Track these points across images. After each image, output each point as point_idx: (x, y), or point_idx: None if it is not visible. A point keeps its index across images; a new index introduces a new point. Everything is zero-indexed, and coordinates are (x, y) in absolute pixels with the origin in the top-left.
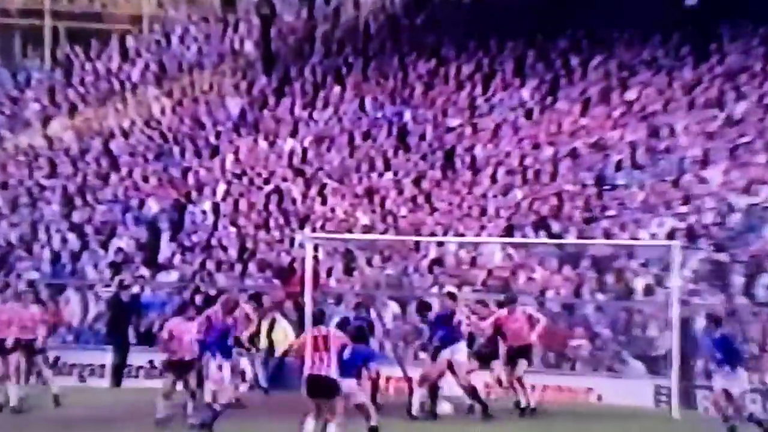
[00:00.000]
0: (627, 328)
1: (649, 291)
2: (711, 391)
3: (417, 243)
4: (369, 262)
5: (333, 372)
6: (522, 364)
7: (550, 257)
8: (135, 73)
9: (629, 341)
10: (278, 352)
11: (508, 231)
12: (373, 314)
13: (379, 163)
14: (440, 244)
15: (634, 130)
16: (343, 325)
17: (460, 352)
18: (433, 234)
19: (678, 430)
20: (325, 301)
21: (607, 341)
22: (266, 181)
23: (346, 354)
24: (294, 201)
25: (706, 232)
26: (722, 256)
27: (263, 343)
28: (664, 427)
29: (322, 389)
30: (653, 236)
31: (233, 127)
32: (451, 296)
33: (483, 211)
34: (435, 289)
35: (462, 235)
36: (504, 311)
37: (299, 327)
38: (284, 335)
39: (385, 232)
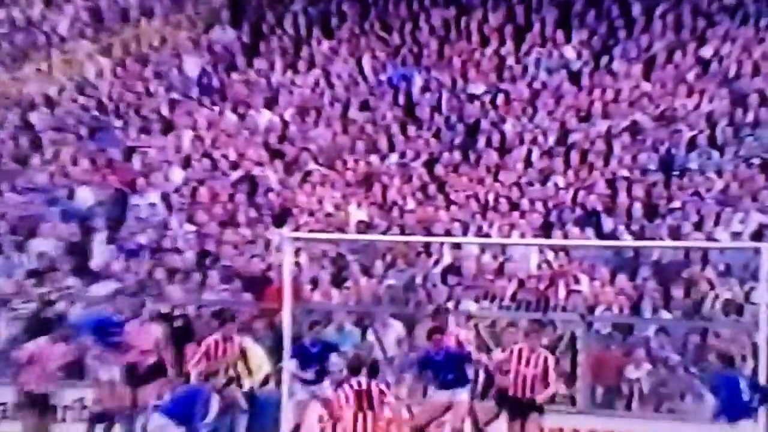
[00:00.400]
0: (700, 357)
1: (729, 308)
2: None
3: (428, 245)
4: (366, 270)
5: None
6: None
7: (601, 264)
8: (63, 23)
9: (703, 374)
10: (249, 386)
11: (546, 229)
12: (371, 338)
13: (381, 143)
14: (457, 246)
15: (713, 97)
16: (303, 353)
17: (462, 394)
18: (448, 233)
19: None
20: (310, 321)
21: (674, 373)
22: (234, 166)
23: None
24: (270, 191)
25: None
26: None
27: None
28: None
29: None
30: (736, 236)
31: (192, 94)
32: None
33: (513, 204)
34: (450, 305)
35: (486, 235)
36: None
37: (275, 354)
38: (258, 366)
39: (387, 231)
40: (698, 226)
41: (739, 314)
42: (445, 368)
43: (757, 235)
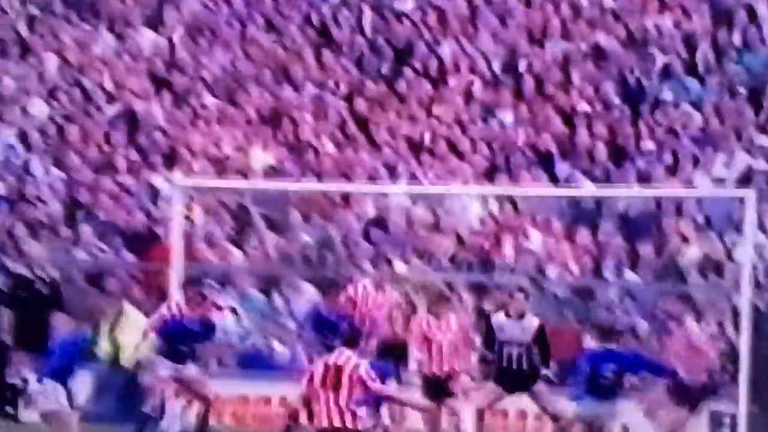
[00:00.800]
0: (670, 324)
1: (707, 266)
2: None
3: (348, 195)
4: (274, 225)
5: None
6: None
7: (555, 217)
8: None
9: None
10: (128, 361)
11: (491, 176)
12: (279, 302)
13: (291, 71)
14: (384, 196)
15: (691, 14)
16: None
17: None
18: (373, 181)
19: None
20: (204, 283)
21: (642, 344)
22: (111, 98)
23: None
24: (156, 130)
25: None
26: None
27: (104, 346)
28: None
29: None
30: (718, 182)
31: (56, 9)
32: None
33: (452, 146)
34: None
35: (419, 183)
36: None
37: None
38: (138, 335)
39: (299, 178)
40: (673, 171)
41: (719, 275)
42: (333, 330)
43: (743, 181)
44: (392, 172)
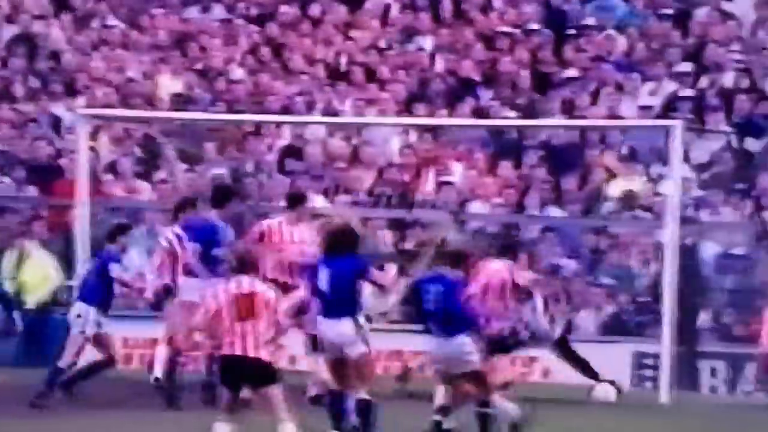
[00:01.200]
0: (594, 260)
1: (631, 200)
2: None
3: (261, 125)
4: (184, 157)
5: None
6: None
7: (477, 148)
8: None
9: (596, 281)
10: (31, 303)
11: (410, 105)
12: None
13: None
14: (299, 126)
15: None
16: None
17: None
18: (287, 110)
19: (668, 424)
20: (109, 219)
21: (567, 283)
22: (8, 19)
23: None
24: (56, 54)
25: (732, 105)
26: (754, 144)
27: (6, 286)
28: (645, 419)
29: (248, 376)
30: (644, 111)
31: None
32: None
33: (369, 73)
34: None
35: (335, 113)
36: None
37: (66, 264)
38: (42, 276)
39: (209, 107)
40: (595, 99)
41: (647, 209)
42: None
43: (668, 109)
44: (308, 102)
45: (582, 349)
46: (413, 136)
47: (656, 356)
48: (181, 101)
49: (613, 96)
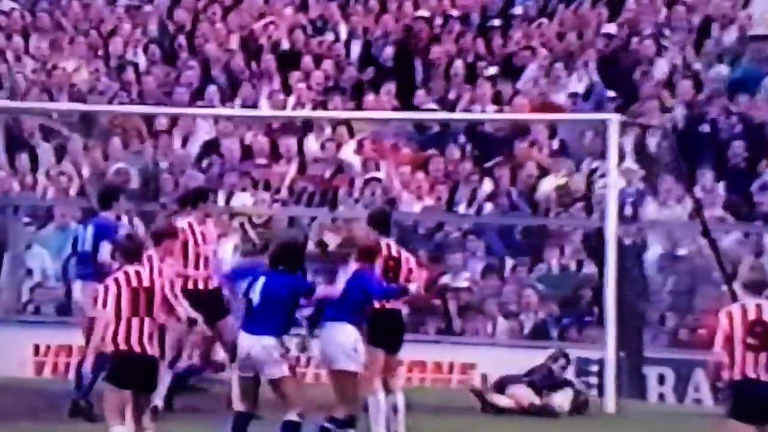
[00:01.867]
0: (532, 262)
1: (565, 196)
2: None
3: (175, 118)
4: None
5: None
6: None
7: (404, 140)
8: None
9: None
10: None
11: (329, 95)
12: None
13: None
14: (216, 119)
15: None
16: None
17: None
18: (201, 100)
19: None
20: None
21: (502, 281)
22: None
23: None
24: None
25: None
26: (703, 127)
27: None
28: (590, 429)
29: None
30: (573, 101)
31: None
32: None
33: (286, 62)
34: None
35: (252, 105)
36: None
37: None
38: None
39: (114, 98)
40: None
41: (578, 205)
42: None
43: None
44: (222, 92)
45: (517, 355)
46: (338, 129)
47: (599, 362)
48: (86, 90)
49: (545, 83)
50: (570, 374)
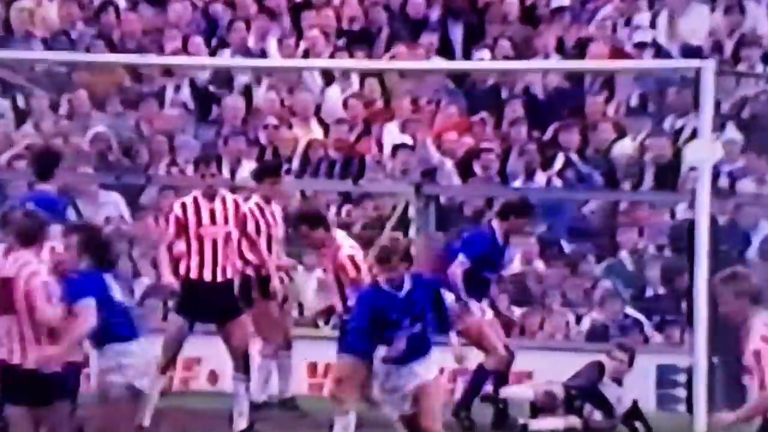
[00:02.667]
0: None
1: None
2: None
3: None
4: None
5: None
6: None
7: (445, 96)
8: None
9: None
10: None
11: (356, 44)
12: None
13: None
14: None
15: None
16: None
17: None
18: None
19: None
20: None
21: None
22: None
23: None
24: None
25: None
26: None
27: None
28: None
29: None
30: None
31: None
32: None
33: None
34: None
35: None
36: None
37: None
38: None
39: (92, 45)
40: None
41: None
42: None
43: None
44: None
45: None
46: (357, 84)
47: (688, 371)
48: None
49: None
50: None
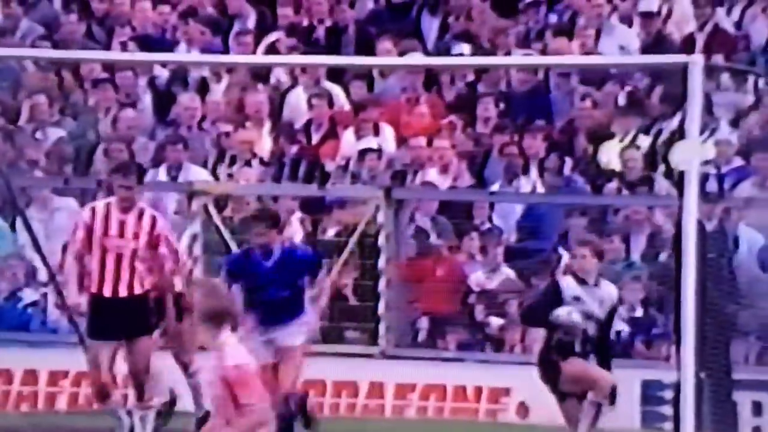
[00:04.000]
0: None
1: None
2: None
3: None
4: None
5: None
6: None
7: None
8: None
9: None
10: None
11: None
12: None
13: None
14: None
15: None
16: None
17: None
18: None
19: None
20: None
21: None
22: None
23: None
24: None
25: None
26: None
27: None
28: None
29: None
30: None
31: None
32: None
33: None
34: None
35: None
36: None
37: None
38: None
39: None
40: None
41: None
42: None
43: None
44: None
45: None
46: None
47: (674, 387)
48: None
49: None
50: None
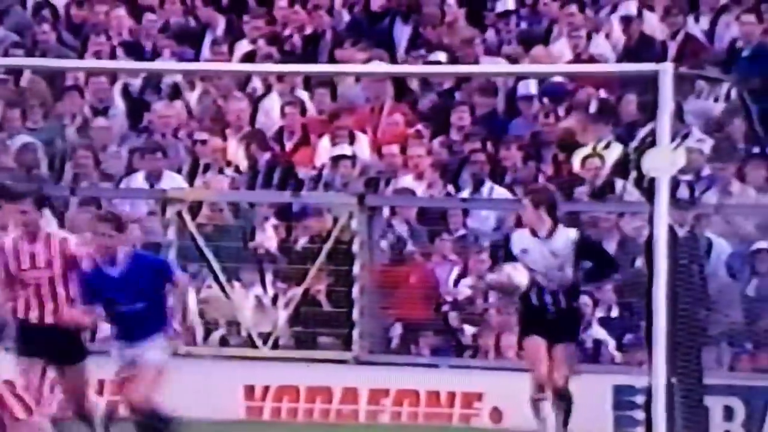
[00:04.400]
0: None
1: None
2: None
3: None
4: None
5: None
6: None
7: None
8: None
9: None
10: None
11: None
12: None
13: None
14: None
15: None
16: None
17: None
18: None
19: None
20: None
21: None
22: None
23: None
24: None
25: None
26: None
27: None
28: None
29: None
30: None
31: None
32: None
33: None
34: None
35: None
36: None
37: None
38: None
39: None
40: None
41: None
42: None
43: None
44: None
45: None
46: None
47: (646, 392)
48: None
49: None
50: None
